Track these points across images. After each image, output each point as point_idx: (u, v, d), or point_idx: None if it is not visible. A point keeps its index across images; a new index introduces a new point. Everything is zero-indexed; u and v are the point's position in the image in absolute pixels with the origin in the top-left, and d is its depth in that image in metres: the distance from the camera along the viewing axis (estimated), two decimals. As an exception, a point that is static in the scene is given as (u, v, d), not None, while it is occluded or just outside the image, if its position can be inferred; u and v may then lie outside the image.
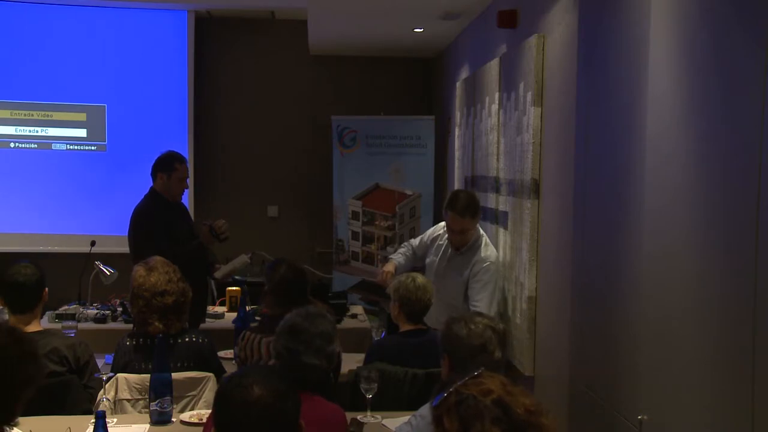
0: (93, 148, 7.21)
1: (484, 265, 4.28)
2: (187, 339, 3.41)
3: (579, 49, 3.36)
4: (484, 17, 5.39)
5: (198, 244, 4.84)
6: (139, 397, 3.26)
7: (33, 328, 3.27)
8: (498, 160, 4.61)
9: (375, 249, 6.81)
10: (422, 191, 6.75)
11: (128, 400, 3.26)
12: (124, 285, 3.85)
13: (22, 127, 7.10)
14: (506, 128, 4.44)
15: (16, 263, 3.34)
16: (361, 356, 3.82)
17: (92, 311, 4.97)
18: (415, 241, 4.77)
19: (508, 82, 4.41)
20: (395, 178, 6.81)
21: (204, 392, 3.31)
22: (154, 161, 4.93)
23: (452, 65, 6.76)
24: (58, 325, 4.13)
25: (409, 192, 6.76)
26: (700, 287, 2.26)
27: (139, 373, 3.29)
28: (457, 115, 6.03)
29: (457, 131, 6.07)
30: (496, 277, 4.30)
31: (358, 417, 3.15)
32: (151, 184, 4.91)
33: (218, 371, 3.43)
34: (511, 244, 4.29)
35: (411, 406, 3.04)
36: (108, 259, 5.34)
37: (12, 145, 7.11)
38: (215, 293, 5.57)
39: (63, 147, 7.18)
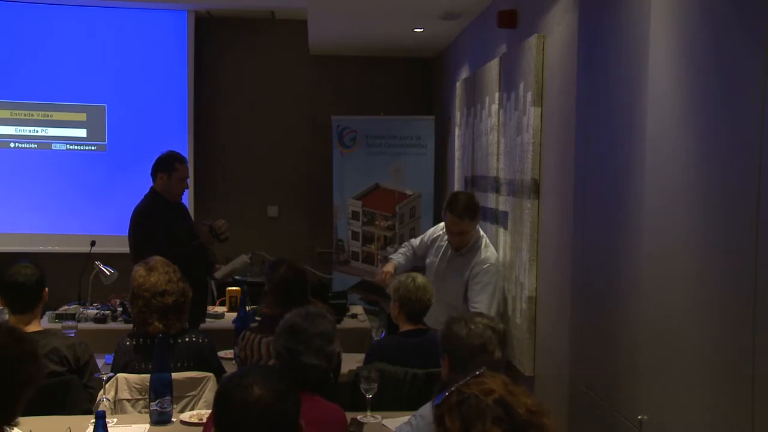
0: (93, 148, 7.21)
1: (484, 266, 4.28)
2: (187, 339, 3.41)
3: (579, 49, 3.36)
4: (484, 17, 5.39)
5: (198, 244, 4.84)
6: (139, 397, 3.26)
7: (33, 328, 3.26)
8: (498, 160, 4.61)
9: (375, 249, 6.81)
10: (422, 191, 6.75)
11: (128, 400, 3.26)
12: (124, 285, 3.85)
13: (22, 127, 7.10)
14: (506, 128, 4.44)
15: (16, 263, 3.34)
16: (361, 356, 3.82)
17: (92, 311, 4.96)
18: (416, 241, 4.77)
19: (508, 82, 4.41)
20: (395, 178, 6.81)
21: (204, 392, 3.31)
22: (154, 161, 4.93)
23: (452, 65, 6.76)
24: (58, 325, 4.13)
25: (409, 192, 6.76)
26: (700, 287, 2.26)
27: (139, 373, 3.29)
28: (457, 115, 6.03)
29: (457, 131, 6.07)
30: (496, 279, 4.29)
31: (358, 417, 3.15)
32: (151, 184, 4.91)
33: (218, 371, 3.43)
34: (511, 244, 4.29)
35: (411, 406, 3.04)
36: (108, 259, 5.35)
37: (12, 145, 7.11)
38: (215, 293, 5.57)
39: (63, 147, 7.18)
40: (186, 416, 3.13)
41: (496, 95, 4.66)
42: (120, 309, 4.97)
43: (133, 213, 4.88)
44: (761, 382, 1.96)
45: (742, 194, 2.04)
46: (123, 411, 3.25)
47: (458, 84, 6.05)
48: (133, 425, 3.07)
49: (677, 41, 2.45)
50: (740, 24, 2.10)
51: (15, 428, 2.34)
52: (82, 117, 7.18)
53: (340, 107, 7.39)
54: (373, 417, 3.17)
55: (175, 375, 3.17)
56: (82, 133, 7.19)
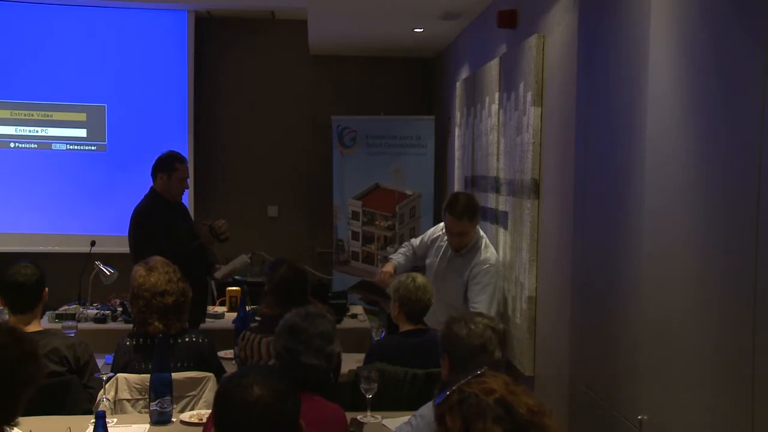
0: (93, 148, 7.22)
1: (484, 267, 4.28)
2: (187, 339, 3.41)
3: (579, 49, 3.36)
4: (484, 17, 5.39)
5: (198, 244, 4.84)
6: (139, 397, 3.26)
7: (33, 328, 3.26)
8: (498, 160, 4.61)
9: (375, 249, 6.81)
10: (422, 191, 6.75)
11: (128, 400, 3.26)
12: (124, 285, 3.85)
13: (22, 127, 7.10)
14: (506, 128, 4.44)
15: (16, 263, 3.34)
16: (361, 356, 3.82)
17: (92, 311, 4.97)
18: (416, 241, 4.77)
19: (508, 82, 4.41)
20: (395, 178, 6.81)
21: (204, 392, 3.31)
22: (154, 161, 4.93)
23: (452, 65, 6.76)
24: (58, 325, 4.13)
25: (409, 192, 6.77)
26: (700, 287, 2.26)
27: (139, 373, 3.29)
28: (457, 115, 6.03)
29: (457, 131, 6.07)
30: (496, 279, 4.29)
31: (358, 417, 3.15)
32: (151, 184, 4.91)
33: (218, 371, 3.43)
34: (511, 244, 4.29)
35: (411, 406, 3.04)
36: (108, 259, 5.35)
37: (12, 145, 7.11)
38: (215, 293, 5.57)
39: (63, 147, 7.18)
40: (186, 416, 3.13)
41: (496, 95, 4.66)
42: (120, 309, 4.97)
43: (133, 213, 4.88)
44: (761, 382, 1.96)
45: (742, 194, 2.04)
46: (123, 411, 3.25)
47: (458, 84, 6.05)
48: (133, 425, 3.07)
49: (677, 41, 2.45)
50: (740, 24, 2.10)
51: (15, 428, 2.35)
52: (82, 117, 7.18)
53: (340, 107, 7.39)
54: (373, 417, 3.17)
55: (175, 375, 3.17)
56: (82, 133, 7.19)
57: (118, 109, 7.20)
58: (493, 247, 4.42)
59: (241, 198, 7.61)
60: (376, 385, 3.14)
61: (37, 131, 7.12)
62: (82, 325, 4.42)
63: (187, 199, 6.01)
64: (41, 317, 3.47)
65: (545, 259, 3.84)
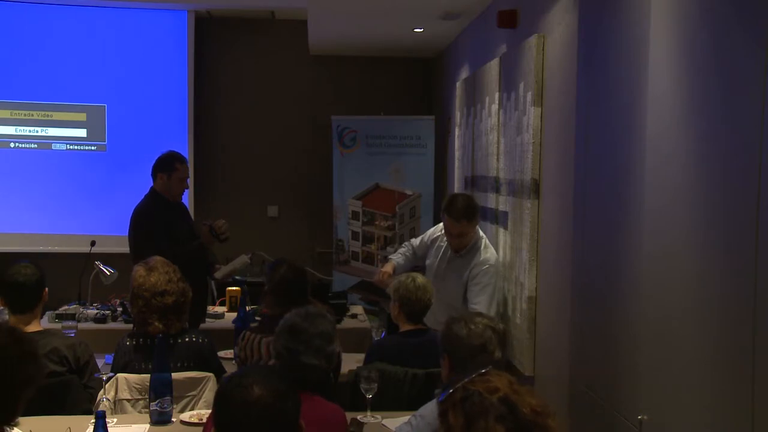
0: (93, 148, 7.22)
1: (483, 268, 4.27)
2: (187, 339, 3.41)
3: (579, 49, 3.36)
4: (484, 17, 5.39)
5: (198, 244, 4.84)
6: (139, 397, 3.26)
7: (33, 328, 3.26)
8: (498, 160, 4.61)
9: (375, 249, 6.81)
10: (422, 191, 6.75)
11: (128, 400, 3.26)
12: (124, 285, 3.85)
13: (22, 127, 7.10)
14: (506, 128, 4.44)
15: (16, 263, 3.34)
16: (361, 356, 3.82)
17: (92, 311, 4.96)
18: (416, 241, 4.77)
19: (508, 82, 4.41)
20: (395, 178, 6.81)
21: (204, 392, 3.31)
22: (154, 161, 4.93)
23: (452, 65, 6.76)
24: (58, 325, 4.13)
25: (409, 192, 6.76)
26: (700, 287, 2.26)
27: (139, 373, 3.29)
28: (457, 115, 6.03)
29: (457, 131, 6.07)
30: (495, 280, 4.29)
31: (358, 417, 3.15)
32: (151, 184, 4.91)
33: (218, 371, 3.43)
34: (511, 244, 4.29)
35: (411, 406, 3.04)
36: (108, 259, 5.34)
37: (12, 145, 7.11)
38: (215, 293, 5.57)
39: (63, 147, 7.18)
40: (186, 416, 3.13)
41: (496, 95, 4.66)
42: (120, 309, 4.97)
43: (133, 213, 4.88)
44: (761, 382, 1.96)
45: (742, 194, 2.04)
46: (123, 411, 3.24)
47: (458, 84, 6.05)
48: (133, 425, 3.07)
49: (677, 41, 2.45)
50: (740, 24, 2.10)
51: (15, 428, 2.35)
52: (82, 117, 7.18)
53: (340, 107, 7.39)
54: (373, 417, 3.17)
55: (175, 375, 3.17)
56: (82, 133, 7.19)
57: (118, 109, 7.20)
58: (492, 248, 4.42)
59: (241, 198, 7.61)
60: (376, 385, 3.14)
61: (37, 131, 7.12)
62: (82, 325, 4.42)
63: (187, 199, 6.01)
64: (41, 317, 3.47)
65: (545, 259, 3.84)
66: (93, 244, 5.52)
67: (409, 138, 6.84)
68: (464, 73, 6.03)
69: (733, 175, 2.10)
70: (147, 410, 3.16)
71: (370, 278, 4.98)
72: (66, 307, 5.10)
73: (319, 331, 2.71)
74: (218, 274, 5.20)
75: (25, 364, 2.18)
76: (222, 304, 5.38)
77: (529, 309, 3.95)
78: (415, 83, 7.92)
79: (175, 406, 3.16)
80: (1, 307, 3.38)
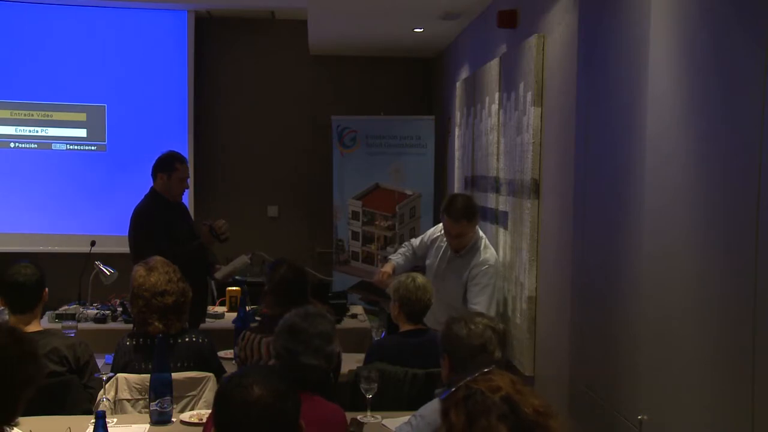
0: (93, 148, 7.22)
1: (483, 268, 4.27)
2: (187, 339, 3.41)
3: (579, 49, 3.36)
4: (484, 17, 5.39)
5: (198, 244, 4.84)
6: (139, 397, 3.26)
7: (33, 328, 3.26)
8: (498, 160, 4.61)
9: (375, 249, 6.81)
10: (422, 191, 6.75)
11: (128, 400, 3.26)
12: (124, 285, 3.85)
13: (22, 127, 7.10)
14: (506, 128, 4.44)
15: (16, 263, 3.34)
16: (361, 356, 3.82)
17: (92, 311, 4.96)
18: (416, 241, 4.77)
19: (508, 82, 4.41)
20: (395, 178, 6.81)
21: (204, 392, 3.31)
22: (154, 161, 4.93)
23: (452, 65, 6.76)
24: (58, 325, 4.13)
25: (409, 192, 6.77)
26: (700, 287, 2.26)
27: (139, 373, 3.29)
28: (457, 115, 6.03)
29: (457, 131, 6.07)
30: (495, 280, 4.29)
31: (358, 417, 3.15)
32: (151, 184, 4.90)
33: (218, 371, 3.43)
34: (511, 244, 4.29)
35: (411, 406, 3.04)
36: (108, 259, 5.34)
37: (12, 145, 7.11)
38: (215, 293, 5.57)
39: (63, 147, 7.18)
40: (186, 416, 3.13)
41: (496, 95, 4.66)
42: (120, 309, 4.97)
43: (133, 213, 4.88)
44: (761, 382, 1.96)
45: (742, 194, 2.04)
46: (123, 411, 3.24)
47: (458, 84, 6.05)
48: (133, 425, 3.06)
49: (677, 41, 2.45)
50: (740, 24, 2.10)
51: (15, 428, 2.35)
52: (82, 117, 7.18)
53: (340, 107, 7.39)
54: (373, 417, 3.17)
55: (175, 375, 3.17)
56: (82, 133, 7.19)
57: (118, 109, 7.20)
58: (492, 248, 4.42)
59: (241, 198, 7.61)
60: (376, 385, 3.14)
61: (37, 131, 7.12)
62: (82, 325, 4.42)
63: (187, 199, 6.01)
64: (41, 317, 3.47)
65: (545, 259, 3.84)
66: (93, 244, 5.52)
67: (409, 138, 6.84)
68: (464, 73, 6.03)
69: (733, 175, 2.10)
70: (147, 410, 3.16)
71: (370, 278, 4.98)
72: (66, 307, 5.10)
73: (318, 331, 2.71)
74: (218, 275, 5.20)
75: (25, 364, 2.18)
76: (222, 304, 5.38)
77: (529, 309, 3.95)
78: (415, 83, 7.92)
79: (175, 406, 3.16)
80: (1, 307, 3.38)
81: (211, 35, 7.53)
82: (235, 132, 7.68)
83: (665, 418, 2.48)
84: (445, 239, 4.45)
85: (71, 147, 7.18)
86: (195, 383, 3.31)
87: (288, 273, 3.63)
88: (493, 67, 4.78)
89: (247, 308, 4.48)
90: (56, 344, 3.25)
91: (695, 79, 2.34)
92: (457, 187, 5.96)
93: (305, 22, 6.28)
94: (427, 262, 4.60)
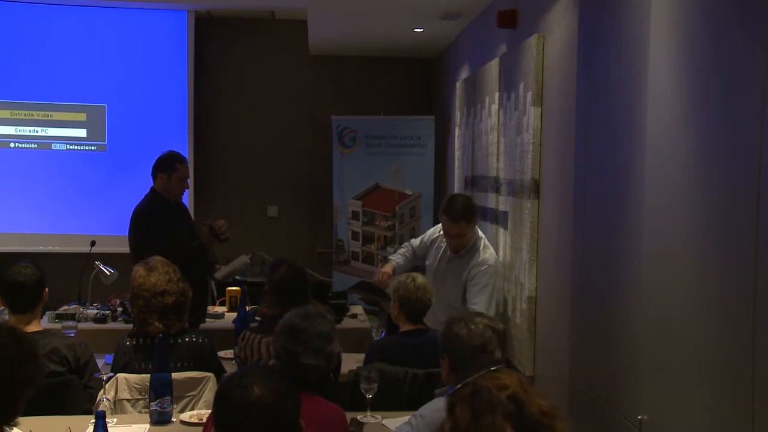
0: (93, 148, 7.22)
1: (482, 268, 4.27)
2: (187, 339, 3.41)
3: (579, 49, 3.36)
4: (484, 17, 5.39)
5: (198, 244, 4.84)
6: (139, 397, 3.26)
7: (33, 328, 3.26)
8: (498, 160, 4.61)
9: (375, 249, 6.81)
10: (422, 191, 6.75)
11: (128, 400, 3.26)
12: (124, 285, 3.85)
13: (22, 127, 7.10)
14: (506, 128, 4.44)
15: (16, 263, 3.34)
16: (361, 356, 3.82)
17: (92, 311, 4.96)
18: (416, 242, 4.77)
19: (508, 82, 4.41)
20: (395, 178, 6.81)
21: (204, 392, 3.31)
22: (154, 161, 4.93)
23: (452, 65, 6.76)
24: (58, 325, 4.13)
25: (409, 192, 6.77)
26: (700, 287, 2.26)
27: (139, 373, 3.29)
28: (457, 115, 6.04)
29: (457, 131, 6.07)
30: (494, 280, 4.28)
31: (358, 417, 3.15)
32: (151, 184, 4.90)
33: (218, 371, 3.43)
34: (511, 244, 4.29)
35: (411, 406, 3.04)
36: (108, 259, 5.34)
37: (12, 145, 7.11)
38: (215, 293, 5.57)
39: (63, 147, 7.18)
40: (186, 416, 3.13)
41: (496, 95, 4.66)
42: (120, 309, 4.97)
43: (133, 213, 4.88)
44: (761, 382, 1.96)
45: (742, 194, 2.04)
46: (123, 411, 3.24)
47: (458, 84, 6.05)
48: (133, 425, 3.06)
49: (677, 41, 2.45)
50: (740, 24, 2.10)
51: (15, 428, 2.35)
52: (82, 117, 7.18)
53: (340, 107, 7.39)
54: (373, 417, 3.17)
55: (175, 375, 3.17)
56: (82, 133, 7.19)
57: (118, 109, 7.20)
58: (492, 248, 4.41)
59: (241, 198, 7.61)
60: (376, 385, 3.14)
61: (37, 131, 7.12)
62: (82, 325, 4.42)
63: (187, 199, 6.01)
64: (41, 317, 3.47)
65: (545, 259, 3.84)
66: (93, 244, 5.52)
67: (409, 138, 6.84)
68: (464, 73, 6.03)
69: (733, 175, 2.10)
70: (147, 410, 3.16)
71: (370, 278, 4.98)
72: (66, 307, 5.10)
73: (318, 332, 2.71)
74: (218, 275, 5.20)
75: (25, 364, 2.18)
76: (222, 304, 5.38)
77: (529, 309, 3.95)
78: (415, 83, 7.92)
79: (175, 406, 3.16)
80: (1, 307, 3.38)
81: (211, 35, 7.53)
82: (235, 132, 7.68)
83: (665, 418, 2.48)
84: (444, 239, 4.45)
85: (71, 147, 7.18)
86: (195, 383, 3.31)
87: (288, 273, 3.63)
88: (493, 67, 4.78)
89: (247, 308, 4.48)
90: (56, 344, 3.25)
91: (695, 79, 2.34)
92: (457, 187, 5.96)
93: (305, 22, 6.28)
94: (427, 262, 4.60)
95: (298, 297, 3.52)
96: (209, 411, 2.74)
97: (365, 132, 6.89)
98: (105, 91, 7.17)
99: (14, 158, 7.08)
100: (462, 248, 4.33)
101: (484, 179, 4.97)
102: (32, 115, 7.10)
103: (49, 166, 7.12)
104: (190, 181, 5.19)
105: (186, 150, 6.94)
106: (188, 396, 3.30)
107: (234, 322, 4.36)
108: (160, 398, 3.06)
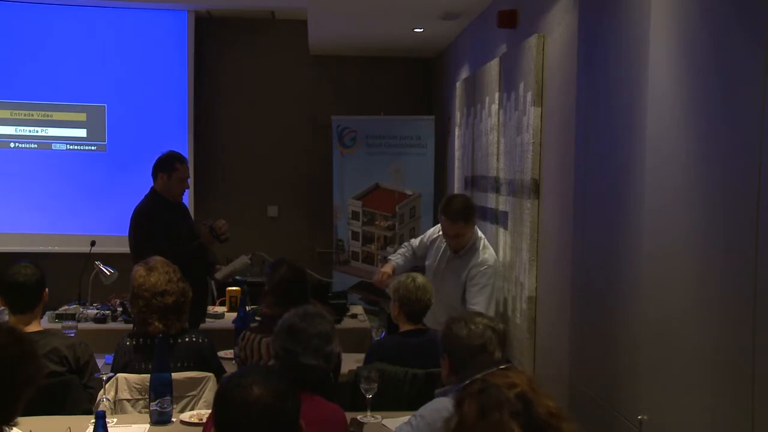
0: (93, 148, 7.22)
1: (482, 268, 4.27)
2: (187, 339, 3.41)
3: (579, 49, 3.36)
4: (484, 17, 5.40)
5: (198, 244, 4.84)
6: (139, 397, 3.26)
7: (33, 328, 3.26)
8: (498, 160, 4.61)
9: (375, 249, 6.81)
10: (422, 191, 6.75)
11: (128, 400, 3.26)
12: (124, 285, 3.85)
13: (22, 127, 7.10)
14: (506, 128, 4.44)
15: (16, 263, 3.34)
16: (361, 356, 3.82)
17: (92, 311, 4.96)
18: (416, 242, 4.77)
19: (508, 82, 4.41)
20: (395, 178, 6.82)
21: (204, 392, 3.31)
22: (154, 161, 4.93)
23: (452, 65, 6.76)
24: (58, 325, 4.13)
25: (409, 192, 6.77)
26: (700, 287, 2.26)
27: (139, 373, 3.29)
28: (457, 115, 6.04)
29: (457, 131, 6.07)
30: (494, 280, 4.28)
31: (358, 417, 3.15)
32: (152, 184, 4.90)
33: (218, 371, 3.43)
34: (511, 244, 4.29)
35: (411, 406, 3.04)
36: (108, 259, 5.34)
37: (12, 145, 7.11)
38: (215, 293, 5.57)
39: (63, 147, 7.18)
40: (186, 416, 3.13)
41: (496, 95, 4.66)
42: (120, 309, 4.97)
43: (133, 213, 4.88)
44: (761, 382, 1.96)
45: (742, 194, 2.04)
46: (123, 411, 3.24)
47: (458, 84, 6.05)
48: (133, 425, 3.06)
49: (677, 41, 2.45)
50: (740, 24, 2.10)
51: (15, 428, 2.35)
52: (82, 117, 7.18)
53: (340, 107, 7.39)
54: (373, 417, 3.17)
55: (175, 375, 3.17)
56: (82, 133, 7.19)
57: (118, 109, 7.20)
58: (491, 248, 4.41)
59: (241, 198, 7.61)
60: (376, 385, 3.14)
61: (37, 131, 7.12)
62: (82, 325, 4.42)
63: (187, 199, 6.01)
64: (41, 317, 3.47)
65: (545, 259, 3.84)
66: (93, 244, 5.52)
67: (409, 138, 6.84)
68: (464, 73, 6.03)
69: (733, 175, 2.10)
70: (147, 410, 3.16)
71: (370, 278, 4.98)
72: (66, 307, 5.10)
73: (317, 332, 2.70)
74: (218, 275, 5.20)
75: (25, 364, 2.18)
76: (222, 304, 5.38)
77: (529, 309, 3.95)
78: (415, 83, 7.92)
79: (175, 406, 3.16)
80: (1, 307, 3.38)
81: (211, 35, 7.53)
82: (235, 132, 7.68)
83: (665, 418, 2.48)
84: (444, 240, 4.44)
85: (71, 147, 7.18)
86: (195, 383, 3.31)
87: (288, 273, 3.63)
88: (493, 67, 4.78)
89: (247, 308, 4.48)
90: (56, 344, 3.25)
91: (695, 79, 2.34)
92: (457, 187, 5.96)
93: (305, 22, 6.28)
94: (427, 262, 4.60)
95: (298, 297, 3.52)
96: (209, 411, 2.74)
97: (365, 132, 6.89)
98: (105, 91, 7.17)
99: (14, 158, 7.08)
100: (461, 248, 4.33)
101: (484, 179, 4.97)
102: (32, 115, 7.10)
103: (49, 166, 7.12)
104: (190, 181, 5.19)
105: (186, 150, 6.94)
106: (188, 396, 3.30)
107: (234, 322, 4.36)
108: (160, 398, 3.06)
